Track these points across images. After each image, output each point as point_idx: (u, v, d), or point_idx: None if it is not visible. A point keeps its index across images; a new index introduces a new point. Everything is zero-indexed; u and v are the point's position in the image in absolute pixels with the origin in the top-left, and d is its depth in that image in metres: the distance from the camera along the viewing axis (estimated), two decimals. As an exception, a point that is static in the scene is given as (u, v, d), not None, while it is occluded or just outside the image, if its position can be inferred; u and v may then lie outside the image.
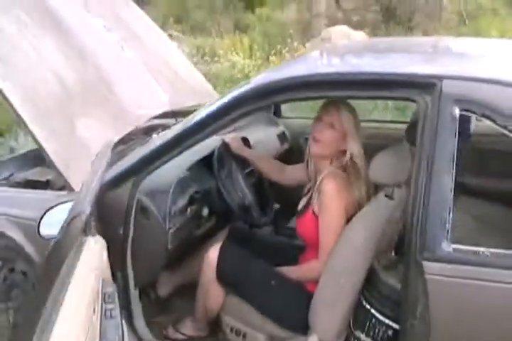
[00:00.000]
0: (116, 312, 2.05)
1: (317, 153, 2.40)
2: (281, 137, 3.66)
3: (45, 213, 2.58)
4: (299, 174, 2.61)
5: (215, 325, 2.63)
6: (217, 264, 2.46)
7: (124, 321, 2.47)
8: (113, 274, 2.41)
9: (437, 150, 1.81)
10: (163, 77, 3.33)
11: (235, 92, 2.14)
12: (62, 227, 2.11)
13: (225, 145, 2.73)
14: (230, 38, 11.99)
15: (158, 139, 2.39)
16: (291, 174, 2.74)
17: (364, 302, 2.12)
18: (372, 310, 2.08)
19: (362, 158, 2.32)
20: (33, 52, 2.75)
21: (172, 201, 2.49)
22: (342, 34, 11.10)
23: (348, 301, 2.15)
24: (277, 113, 3.86)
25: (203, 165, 2.72)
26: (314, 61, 2.41)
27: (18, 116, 2.55)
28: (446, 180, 1.79)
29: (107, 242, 2.37)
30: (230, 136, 2.77)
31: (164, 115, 3.13)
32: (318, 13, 13.72)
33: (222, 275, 2.47)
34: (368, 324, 2.09)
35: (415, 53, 2.34)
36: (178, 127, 2.30)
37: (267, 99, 2.09)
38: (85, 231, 2.19)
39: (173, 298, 2.93)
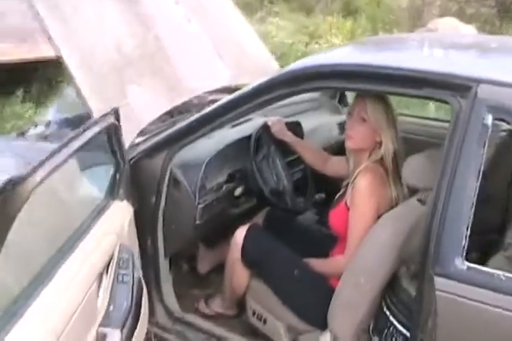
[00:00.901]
0: (129, 278, 2.11)
1: (352, 148, 2.36)
2: (342, 126, 3.56)
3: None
4: (343, 166, 2.55)
5: (242, 305, 2.65)
6: (243, 245, 2.46)
7: (152, 290, 2.56)
8: (144, 242, 2.47)
9: (462, 159, 1.70)
10: (227, 52, 3.31)
11: (270, 76, 2.11)
12: None
13: (265, 128, 2.69)
14: (334, 20, 11.77)
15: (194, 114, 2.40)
16: (335, 165, 2.68)
17: (385, 309, 2.05)
18: (391, 318, 2.01)
19: (398, 152, 2.26)
20: (94, 15, 2.80)
21: (205, 176, 2.50)
22: (449, 26, 10.70)
23: (367, 303, 2.09)
24: (343, 101, 3.73)
25: (246, 144, 2.69)
26: (353, 50, 2.34)
27: (72, 77, 2.61)
28: (468, 193, 1.67)
29: (140, 209, 2.44)
30: (274, 119, 2.73)
31: (222, 90, 3.13)
32: (431, 1, 13.27)
33: (247, 257, 2.47)
34: (386, 331, 2.03)
35: (460, 52, 2.22)
36: (213, 105, 2.30)
37: (297, 86, 2.05)
38: (112, 194, 2.25)
39: (211, 274, 2.97)
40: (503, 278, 1.62)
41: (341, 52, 2.31)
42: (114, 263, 2.09)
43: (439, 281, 1.69)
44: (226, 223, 2.74)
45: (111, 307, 2.01)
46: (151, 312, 2.56)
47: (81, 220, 2.07)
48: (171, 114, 2.97)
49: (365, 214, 2.20)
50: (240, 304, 2.65)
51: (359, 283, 2.07)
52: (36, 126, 3.46)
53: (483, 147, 1.69)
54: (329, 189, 2.89)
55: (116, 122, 2.07)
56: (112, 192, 2.26)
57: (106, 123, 1.98)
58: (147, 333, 2.43)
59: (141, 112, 2.74)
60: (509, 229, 1.99)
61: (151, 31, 3.03)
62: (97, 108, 2.60)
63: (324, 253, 2.48)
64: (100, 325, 1.93)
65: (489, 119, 1.68)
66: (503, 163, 2.23)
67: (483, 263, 1.72)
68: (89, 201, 2.23)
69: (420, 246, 1.79)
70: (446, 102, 1.82)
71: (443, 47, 2.29)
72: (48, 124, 3.32)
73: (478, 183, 1.68)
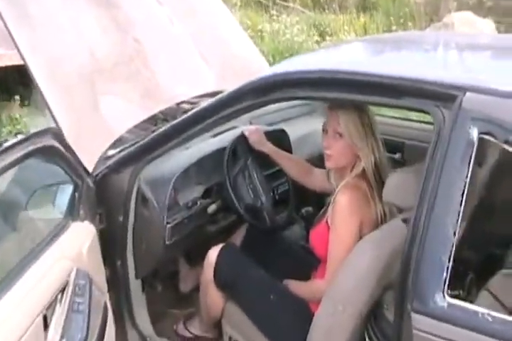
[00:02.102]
0: (85, 306, 1.93)
1: (333, 168, 2.16)
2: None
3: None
4: (326, 180, 2.33)
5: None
6: (215, 266, 2.28)
7: (124, 314, 2.39)
8: (113, 263, 2.30)
9: (444, 178, 1.50)
10: (213, 55, 3.11)
11: (238, 86, 1.92)
12: None
13: (242, 138, 2.49)
14: (347, 16, 11.52)
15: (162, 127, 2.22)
16: (318, 179, 2.45)
17: (367, 339, 1.86)
18: (375, 351, 1.81)
19: (381, 163, 2.08)
20: (66, 23, 2.61)
21: (176, 192, 2.33)
22: (465, 21, 10.42)
23: (346, 333, 1.88)
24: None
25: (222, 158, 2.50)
26: (331, 53, 2.13)
27: (39, 89, 2.44)
28: (450, 218, 1.46)
29: (108, 228, 2.27)
30: (252, 128, 2.53)
31: (213, 95, 2.92)
32: (448, -5, 12.94)
33: (219, 279, 2.30)
34: (369, 363, 1.83)
35: (450, 55, 2.00)
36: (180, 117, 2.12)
37: (266, 96, 1.86)
38: (71, 215, 2.08)
39: (194, 293, 2.76)
40: (489, 319, 1.40)
41: (316, 57, 2.10)
42: (69, 291, 1.91)
43: (417, 319, 1.48)
44: (204, 241, 2.56)
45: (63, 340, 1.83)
46: (124, 338, 2.40)
47: (33, 244, 1.89)
48: (154, 121, 2.79)
49: (346, 235, 2.00)
50: (220, 326, 2.46)
51: (337, 311, 1.87)
52: (17, 135, 3.29)
53: (468, 164, 1.48)
54: (318, 202, 2.69)
55: (55, 142, 1.88)
56: (71, 213, 2.10)
57: (34, 146, 1.79)
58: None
59: (113, 123, 2.55)
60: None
61: (130, 34, 2.84)
62: (66, 121, 2.42)
63: (307, 273, 2.29)
64: (50, 361, 1.76)
65: (475, 133, 1.47)
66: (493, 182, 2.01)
67: (466, 299, 1.52)
68: (47, 223, 2.06)
69: (398, 276, 1.59)
70: (428, 113, 1.61)
71: (430, 49, 2.07)
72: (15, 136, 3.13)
73: (462, 206, 1.47)
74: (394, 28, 10.54)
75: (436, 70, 1.72)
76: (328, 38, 10.13)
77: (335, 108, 2.04)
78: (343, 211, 2.00)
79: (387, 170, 2.09)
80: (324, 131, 2.09)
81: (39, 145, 1.79)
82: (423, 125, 2.83)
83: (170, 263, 2.69)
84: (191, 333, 2.60)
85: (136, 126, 2.65)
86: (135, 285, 2.40)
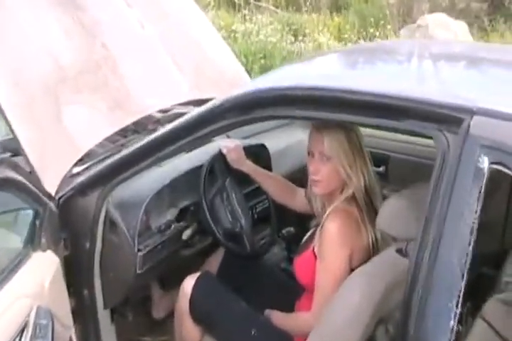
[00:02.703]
0: (48, 350, 1.73)
1: (321, 194, 1.98)
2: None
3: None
4: (315, 200, 2.13)
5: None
6: (191, 297, 2.09)
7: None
8: (80, 292, 2.09)
9: (451, 211, 1.32)
10: (187, 62, 2.91)
11: (212, 103, 1.73)
12: None
13: (220, 156, 2.30)
14: (321, 17, 11.38)
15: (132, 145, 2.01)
16: (301, 199, 2.25)
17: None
18: None
19: (371, 187, 1.90)
20: (27, 28, 2.39)
21: (146, 217, 2.13)
22: (439, 23, 10.35)
23: None
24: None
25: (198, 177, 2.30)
26: (319, 66, 1.93)
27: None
28: (458, 258, 1.29)
29: (73, 255, 2.07)
30: (231, 145, 2.33)
31: (192, 103, 2.72)
32: (421, -3, 12.85)
33: (195, 311, 2.11)
34: None
35: (451, 69, 1.83)
36: (151, 136, 1.92)
37: (247, 114, 1.68)
38: (31, 244, 1.87)
39: (167, 320, 2.57)
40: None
41: (302, 70, 1.90)
42: (29, 333, 1.71)
43: None
44: (179, 265, 2.36)
45: (22, 392, 1.63)
46: (93, 371, 2.21)
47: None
48: (125, 132, 2.59)
49: (335, 267, 1.83)
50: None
51: None
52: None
53: (478, 195, 1.30)
54: (299, 222, 2.51)
55: (10, 172, 1.67)
56: (31, 242, 1.88)
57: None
58: None
59: (79, 137, 2.34)
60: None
61: (97, 39, 2.63)
62: (26, 136, 2.21)
63: (291, 301, 2.12)
64: None
65: (485, 163, 1.30)
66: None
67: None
68: (4, 253, 1.85)
69: (398, 320, 1.41)
70: (429, 138, 1.43)
71: (428, 63, 1.90)
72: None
73: (471, 245, 1.29)
74: (369, 29, 10.44)
75: (438, 88, 1.54)
76: (301, 38, 9.97)
77: (321, 128, 1.85)
78: (332, 240, 1.83)
79: (377, 192, 1.92)
80: (310, 154, 1.91)
81: None
82: (409, 137, 2.65)
83: (141, 289, 2.49)
84: (165, 364, 2.39)
85: (105, 139, 2.46)
86: (103, 315, 2.20)
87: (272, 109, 1.65)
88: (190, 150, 2.40)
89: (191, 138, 1.77)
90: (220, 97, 1.74)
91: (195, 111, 1.80)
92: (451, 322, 1.28)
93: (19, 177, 1.71)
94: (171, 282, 2.42)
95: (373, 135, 2.70)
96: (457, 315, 1.28)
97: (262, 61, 7.82)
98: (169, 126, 1.85)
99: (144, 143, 1.90)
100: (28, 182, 1.77)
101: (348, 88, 1.55)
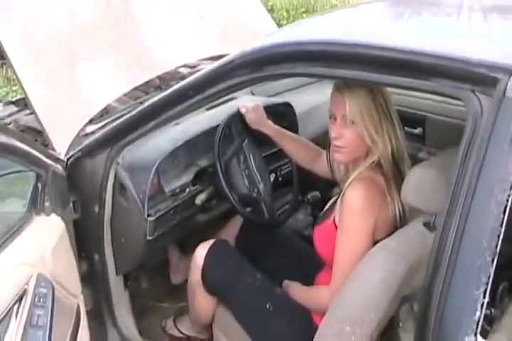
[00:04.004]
0: (46, 319, 1.64)
1: (345, 161, 1.81)
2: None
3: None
4: (338, 165, 1.95)
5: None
6: (203, 267, 1.97)
7: (104, 312, 2.13)
8: (91, 257, 2.04)
9: (481, 185, 1.15)
10: (212, 15, 2.74)
11: (222, 61, 1.58)
12: None
13: (238, 116, 2.15)
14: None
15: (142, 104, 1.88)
16: (326, 163, 2.09)
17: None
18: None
19: (398, 153, 1.73)
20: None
21: (158, 179, 2.02)
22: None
23: None
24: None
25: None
26: (336, 20, 1.74)
27: (7, 57, 2.11)
28: (486, 241, 1.13)
29: (84, 218, 1.97)
30: (250, 104, 2.17)
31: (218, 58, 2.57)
32: None
33: (208, 282, 2.00)
34: None
35: (481, 22, 1.62)
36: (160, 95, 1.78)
37: (261, 71, 1.51)
38: (35, 208, 1.78)
39: (185, 285, 2.44)
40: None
41: (326, 22, 1.71)
42: (28, 301, 1.62)
43: None
44: (195, 231, 2.25)
45: (20, 362, 1.55)
46: (104, 339, 2.15)
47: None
48: (147, 88, 2.46)
49: (357, 239, 1.67)
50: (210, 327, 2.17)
51: (343, 331, 1.55)
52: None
53: None
54: (327, 186, 2.36)
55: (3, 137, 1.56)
56: (34, 206, 1.78)
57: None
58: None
59: (94, 94, 2.22)
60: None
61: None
62: (37, 94, 2.10)
63: (311, 273, 1.99)
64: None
65: (524, 129, 1.12)
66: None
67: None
68: (5, 218, 1.76)
69: (419, 305, 1.27)
70: (458, 99, 1.26)
71: (471, 16, 1.68)
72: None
73: (504, 224, 1.12)
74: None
75: (473, 44, 1.35)
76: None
77: (343, 89, 1.68)
78: (354, 209, 1.66)
79: (406, 158, 1.76)
80: (331, 117, 1.74)
81: None
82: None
83: (156, 255, 2.39)
84: (181, 332, 2.31)
85: (126, 94, 2.34)
86: (116, 281, 2.13)
87: (288, 65, 1.49)
88: (209, 108, 2.26)
89: (201, 97, 1.63)
90: (232, 53, 1.59)
91: (205, 69, 1.64)
92: (477, 314, 1.13)
93: (11, 141, 1.59)
94: (190, 246, 2.30)
95: (409, 94, 2.51)
96: (484, 305, 1.13)
97: (305, 15, 7.51)
98: (177, 85, 1.71)
99: (152, 103, 1.77)
100: (24, 145, 1.65)
101: (371, 43, 1.37)
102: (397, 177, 1.72)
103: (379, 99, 1.67)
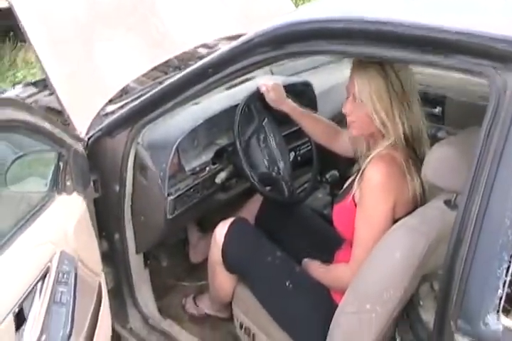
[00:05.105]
0: (69, 296, 1.67)
1: (358, 136, 1.80)
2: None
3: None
4: (357, 143, 1.93)
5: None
6: (223, 245, 1.99)
7: (125, 291, 2.15)
8: (111, 235, 2.06)
9: (504, 164, 1.14)
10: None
11: (242, 39, 1.57)
12: None
13: (258, 94, 2.14)
14: None
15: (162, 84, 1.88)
16: (346, 142, 2.07)
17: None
18: (406, 355, 1.51)
19: (415, 134, 1.71)
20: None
21: (179, 158, 2.04)
22: None
23: (372, 336, 1.57)
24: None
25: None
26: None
27: (26, 37, 2.11)
28: (509, 220, 1.12)
29: (104, 197, 1.99)
30: (270, 83, 2.16)
31: (223, 40, 2.56)
32: None
33: (228, 260, 2.01)
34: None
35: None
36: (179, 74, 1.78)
37: (281, 49, 1.50)
38: (56, 187, 1.79)
39: (205, 264, 2.47)
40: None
41: (342, 1, 1.69)
42: (51, 279, 1.64)
43: None
44: (215, 210, 2.26)
45: (42, 338, 1.58)
46: (125, 316, 2.18)
47: (9, 224, 1.61)
48: (166, 68, 2.46)
49: (377, 218, 1.67)
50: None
51: (363, 309, 1.56)
52: (14, 86, 2.99)
53: None
54: (345, 165, 2.35)
55: (24, 115, 1.56)
56: (56, 185, 1.80)
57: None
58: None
59: (113, 75, 2.23)
60: None
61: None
62: (57, 74, 2.11)
63: (331, 251, 1.99)
64: (24, 365, 1.51)
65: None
66: None
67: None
68: (27, 197, 1.78)
69: (440, 282, 1.26)
70: (482, 77, 1.23)
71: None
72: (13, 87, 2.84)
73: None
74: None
75: (494, 20, 1.32)
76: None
77: (355, 67, 1.67)
78: (374, 188, 1.66)
79: (424, 139, 1.75)
80: (347, 93, 1.74)
81: None
82: (470, 77, 2.42)
83: (176, 233, 2.41)
84: (201, 311, 2.34)
85: (144, 75, 2.34)
86: (136, 260, 2.15)
87: (309, 43, 1.47)
88: (229, 87, 2.26)
89: (221, 75, 1.62)
90: (253, 31, 1.58)
91: (225, 47, 1.64)
92: (499, 291, 1.12)
93: (35, 119, 1.60)
94: (209, 224, 2.31)
95: (428, 73, 2.49)
96: (506, 283, 1.13)
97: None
98: (197, 64, 1.70)
99: (172, 82, 1.77)
100: (47, 124, 1.66)
101: (393, 20, 1.35)
102: (416, 157, 1.71)
103: (392, 79, 1.64)
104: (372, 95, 1.63)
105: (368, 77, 1.63)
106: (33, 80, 3.10)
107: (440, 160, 1.45)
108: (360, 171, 1.72)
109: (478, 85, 2.31)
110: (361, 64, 1.64)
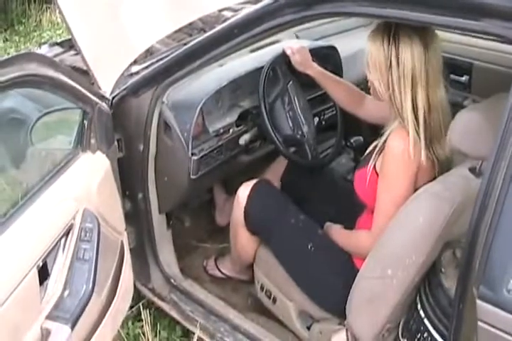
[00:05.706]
0: (92, 253, 1.69)
1: (377, 99, 1.76)
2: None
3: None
4: (381, 109, 1.87)
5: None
6: (245, 207, 1.99)
7: (147, 251, 2.17)
8: (135, 195, 2.06)
9: None
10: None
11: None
12: None
13: (283, 57, 2.11)
14: None
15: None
16: (370, 108, 2.06)
17: (419, 307, 1.56)
18: (426, 321, 1.52)
19: (434, 107, 1.65)
20: None
21: (203, 119, 2.03)
22: None
23: (394, 300, 1.58)
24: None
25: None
26: None
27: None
28: None
29: (128, 157, 2.00)
30: (295, 46, 2.13)
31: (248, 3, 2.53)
32: None
33: (250, 222, 2.01)
34: (419, 336, 1.55)
35: None
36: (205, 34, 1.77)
37: (310, 10, 1.47)
38: (80, 145, 1.80)
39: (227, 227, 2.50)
40: None
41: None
42: (74, 235, 1.67)
43: (485, 309, 1.15)
44: (240, 172, 2.26)
45: (65, 293, 1.61)
46: (147, 276, 2.20)
47: (33, 180, 1.63)
48: (191, 30, 2.43)
49: (398, 187, 1.66)
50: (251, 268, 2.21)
51: (385, 275, 1.57)
52: (40, 45, 2.99)
53: None
54: (370, 130, 2.34)
55: (48, 70, 1.55)
56: (80, 143, 1.81)
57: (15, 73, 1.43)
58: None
59: (138, 36, 2.21)
60: None
61: None
62: (82, 34, 2.10)
63: (353, 216, 1.98)
64: (47, 318, 1.53)
65: None
66: None
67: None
68: (52, 154, 1.79)
69: (463, 249, 1.26)
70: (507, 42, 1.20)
71: None
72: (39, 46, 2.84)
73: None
74: None
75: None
76: None
77: (371, 34, 1.64)
78: (397, 157, 1.64)
79: (446, 114, 1.69)
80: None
81: (19, 73, 1.43)
82: (496, 44, 2.37)
83: (199, 194, 2.41)
84: (222, 273, 2.36)
85: (169, 37, 2.32)
86: (159, 220, 2.16)
87: (337, 4, 1.45)
88: (254, 50, 2.24)
89: (246, 36, 1.61)
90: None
91: (250, 8, 1.61)
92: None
93: (60, 76, 1.60)
94: (235, 187, 2.32)
95: (455, 41, 2.44)
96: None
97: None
98: (223, 24, 1.69)
99: (197, 42, 1.76)
100: (72, 81, 1.65)
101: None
102: (437, 128, 1.68)
103: (412, 53, 1.57)
104: (377, 67, 1.63)
105: (372, 44, 1.61)
106: (58, 40, 3.10)
107: (466, 126, 1.43)
108: (382, 140, 1.70)
109: (506, 53, 2.28)
110: (378, 32, 1.61)
